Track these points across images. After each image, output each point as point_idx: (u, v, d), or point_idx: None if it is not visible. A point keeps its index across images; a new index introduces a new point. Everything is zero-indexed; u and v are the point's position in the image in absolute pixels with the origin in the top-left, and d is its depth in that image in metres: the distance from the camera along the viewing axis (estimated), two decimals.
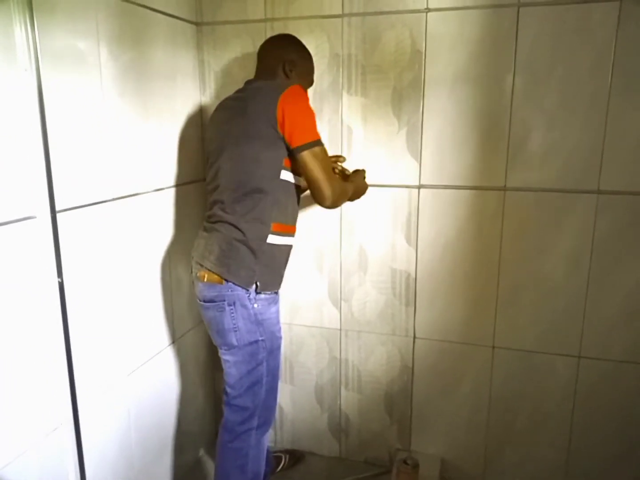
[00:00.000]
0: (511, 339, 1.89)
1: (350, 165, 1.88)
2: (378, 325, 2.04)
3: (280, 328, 1.67)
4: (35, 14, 1.23)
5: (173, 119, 1.85)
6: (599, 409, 1.85)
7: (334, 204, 1.53)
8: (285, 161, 1.51)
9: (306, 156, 1.46)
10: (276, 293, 1.64)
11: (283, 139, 1.47)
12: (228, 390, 1.63)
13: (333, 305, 2.08)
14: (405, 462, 1.90)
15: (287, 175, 1.54)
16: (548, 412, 1.91)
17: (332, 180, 1.50)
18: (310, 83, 1.74)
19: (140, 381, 1.77)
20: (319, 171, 1.47)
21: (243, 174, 1.50)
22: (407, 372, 2.04)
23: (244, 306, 1.53)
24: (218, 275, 1.52)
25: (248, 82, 1.63)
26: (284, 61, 1.61)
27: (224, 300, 1.53)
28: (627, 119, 1.63)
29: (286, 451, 2.21)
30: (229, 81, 1.97)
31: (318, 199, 1.51)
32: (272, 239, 1.54)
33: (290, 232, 1.63)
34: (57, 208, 1.34)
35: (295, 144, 1.46)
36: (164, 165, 1.82)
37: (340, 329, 2.09)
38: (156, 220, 1.80)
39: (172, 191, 1.87)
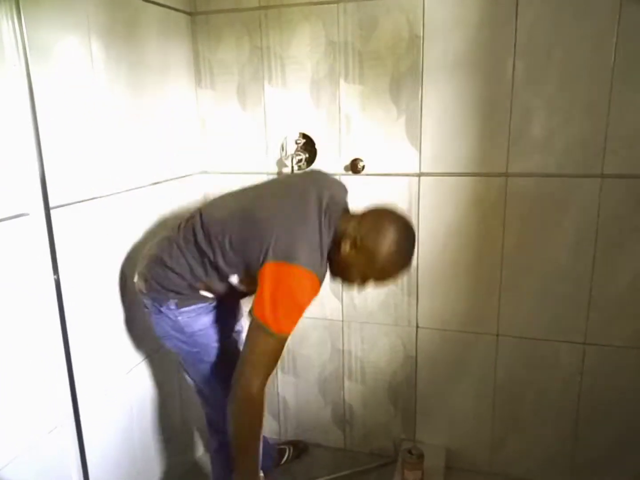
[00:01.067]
0: (515, 326, 1.87)
1: (349, 153, 1.86)
2: (380, 316, 2.02)
3: (216, 337, 1.53)
4: (22, 7, 1.21)
5: (168, 112, 1.82)
6: (605, 396, 1.84)
7: (239, 393, 1.31)
8: (242, 275, 1.39)
9: (252, 328, 1.29)
10: (205, 302, 1.50)
11: (255, 274, 1.31)
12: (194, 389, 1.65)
13: (335, 297, 2.06)
14: (410, 452, 1.89)
15: (233, 279, 1.42)
16: (553, 400, 1.90)
17: (257, 380, 1.29)
18: (368, 278, 1.38)
19: (141, 378, 1.76)
20: (253, 357, 1.29)
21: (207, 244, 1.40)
22: (411, 362, 2.03)
23: (169, 317, 1.48)
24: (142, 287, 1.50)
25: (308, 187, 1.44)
26: (354, 237, 1.33)
27: (152, 309, 1.51)
28: (631, 100, 1.60)
29: (290, 442, 2.20)
30: (224, 71, 1.94)
31: (234, 378, 1.32)
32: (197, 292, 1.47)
33: (210, 298, 1.51)
34: (51, 204, 1.32)
35: (253, 308, 1.30)
36: (159, 158, 1.79)
37: (343, 321, 2.08)
38: (153, 214, 1.78)
39: (169, 185, 1.84)
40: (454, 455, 2.06)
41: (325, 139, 1.90)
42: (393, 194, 1.88)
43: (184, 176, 1.91)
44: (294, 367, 2.19)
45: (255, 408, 1.32)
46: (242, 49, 1.90)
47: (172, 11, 1.83)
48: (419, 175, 1.84)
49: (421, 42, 1.73)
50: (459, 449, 2.05)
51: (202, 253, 1.41)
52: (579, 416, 1.88)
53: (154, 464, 1.88)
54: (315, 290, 1.31)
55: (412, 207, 1.87)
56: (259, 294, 1.28)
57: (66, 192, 1.38)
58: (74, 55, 1.39)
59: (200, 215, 1.47)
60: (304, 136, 1.91)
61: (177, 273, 1.43)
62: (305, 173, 1.82)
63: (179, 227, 1.51)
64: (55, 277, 1.34)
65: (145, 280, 1.49)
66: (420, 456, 1.88)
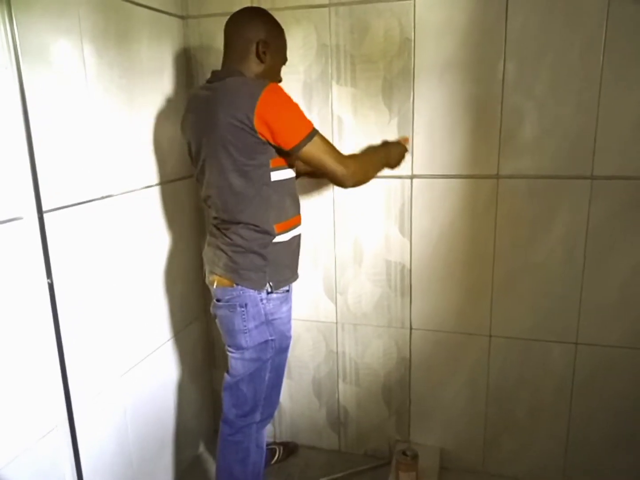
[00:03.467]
0: (508, 327, 1.88)
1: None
2: (374, 318, 2.03)
3: (290, 327, 1.65)
4: (13, 10, 1.21)
5: (161, 115, 1.82)
6: (597, 396, 1.85)
7: (355, 181, 1.50)
8: (274, 162, 1.46)
9: (306, 152, 1.42)
10: (288, 291, 1.60)
11: (268, 142, 1.41)
12: (229, 380, 1.62)
13: (328, 299, 2.07)
14: (404, 453, 1.90)
15: (278, 175, 1.49)
16: (546, 400, 1.91)
17: (342, 160, 1.45)
18: (284, 60, 1.61)
19: (136, 380, 1.75)
20: (326, 159, 1.43)
21: (230, 189, 1.46)
22: (405, 363, 2.04)
23: (256, 307, 1.51)
24: (229, 280, 1.51)
25: (216, 74, 1.52)
26: (255, 43, 1.48)
27: (236, 302, 1.51)
28: (620, 102, 1.61)
29: (280, 443, 2.22)
30: None
31: (337, 183, 1.50)
32: (277, 239, 1.51)
33: (295, 225, 1.58)
34: (44, 208, 1.32)
35: (289, 145, 1.41)
36: (153, 162, 1.79)
37: (337, 323, 2.08)
38: (147, 217, 1.78)
39: (163, 188, 1.85)
40: (449, 456, 2.06)
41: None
42: (386, 197, 1.89)
43: (176, 179, 1.92)
44: (288, 370, 2.18)
45: (364, 171, 1.54)
46: None
47: (164, 15, 1.83)
48: (412, 177, 1.85)
49: (412, 45, 1.74)
50: (454, 450, 2.06)
51: (249, 207, 1.47)
52: (572, 416, 1.89)
53: (151, 465, 1.87)
54: None
55: (404, 209, 1.88)
56: (280, 129, 1.39)
57: (59, 196, 1.38)
58: (66, 59, 1.39)
59: (205, 200, 1.57)
60: None
61: (254, 229, 1.48)
62: None
63: (214, 220, 1.57)
64: (49, 280, 1.34)
65: (234, 272, 1.49)
66: (415, 457, 1.89)
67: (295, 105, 1.44)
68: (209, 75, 1.53)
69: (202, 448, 2.22)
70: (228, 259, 1.50)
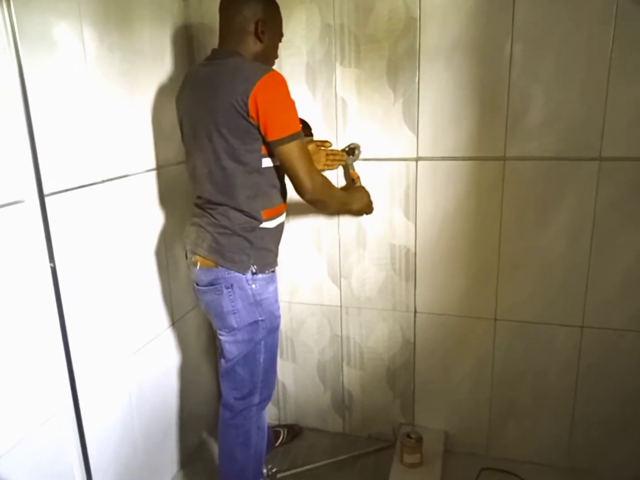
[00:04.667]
0: (513, 310, 1.87)
1: (346, 138, 1.85)
2: (378, 301, 2.02)
3: (279, 307, 1.65)
4: None
5: (162, 98, 1.80)
6: (602, 379, 1.84)
7: (316, 198, 1.49)
8: (264, 149, 1.45)
9: (285, 150, 1.41)
10: (273, 272, 1.61)
11: (258, 128, 1.40)
12: (225, 365, 1.62)
13: (333, 283, 2.06)
14: (409, 436, 1.91)
15: (269, 162, 1.49)
16: (551, 384, 1.91)
17: (312, 173, 1.45)
18: (281, 36, 1.59)
19: (140, 364, 1.76)
20: (299, 164, 1.42)
21: (222, 171, 1.45)
22: (409, 347, 2.03)
23: (242, 288, 1.51)
24: (212, 261, 1.50)
25: (216, 53, 1.51)
26: (254, 22, 1.45)
27: (221, 284, 1.50)
28: (629, 83, 1.58)
29: (285, 426, 2.23)
30: None
31: (298, 191, 1.47)
32: (263, 225, 1.52)
33: (281, 212, 1.59)
34: (45, 191, 1.30)
35: (270, 137, 1.40)
36: (154, 145, 1.78)
37: (341, 306, 2.08)
38: (149, 200, 1.77)
39: (164, 171, 1.83)
40: (453, 439, 2.07)
41: (322, 123, 1.89)
42: (390, 179, 1.87)
43: (177, 163, 1.90)
44: (292, 353, 2.20)
45: (327, 193, 1.54)
46: None
47: None
48: (417, 159, 1.83)
49: (418, 24, 1.71)
50: (458, 433, 2.07)
51: (238, 191, 1.46)
52: (577, 399, 1.89)
53: (157, 450, 1.89)
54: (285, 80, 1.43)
55: (409, 192, 1.87)
56: (268, 117, 1.37)
57: (61, 179, 1.37)
58: (65, 42, 1.37)
59: (193, 179, 1.57)
60: (300, 121, 1.88)
61: (241, 213, 1.48)
62: None
63: (199, 201, 1.56)
64: (52, 264, 1.34)
65: (217, 253, 1.49)
66: (419, 440, 1.89)
67: (291, 102, 1.43)
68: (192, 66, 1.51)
69: (206, 433, 2.23)
70: (212, 239, 1.49)
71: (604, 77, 1.60)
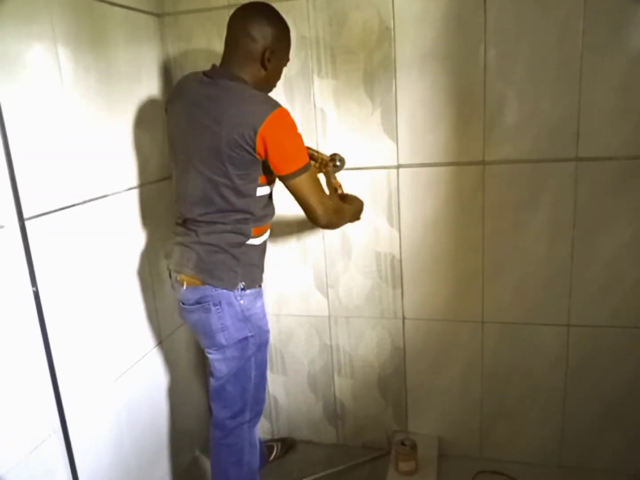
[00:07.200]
0: (500, 312, 1.89)
1: (326, 149, 1.85)
2: (366, 310, 2.02)
3: (267, 322, 1.64)
4: None
5: (140, 117, 1.79)
6: (590, 377, 1.86)
7: (329, 223, 1.50)
8: (261, 178, 1.46)
9: (295, 183, 1.42)
10: (260, 287, 1.61)
11: (262, 162, 1.41)
12: (215, 384, 1.61)
13: (320, 293, 2.06)
14: (403, 443, 1.91)
15: (262, 191, 1.49)
16: (540, 383, 1.92)
17: (324, 201, 1.47)
18: (287, 61, 1.58)
19: (129, 385, 1.74)
20: (310, 195, 1.44)
21: (216, 198, 1.44)
22: (399, 353, 2.04)
23: (230, 304, 1.50)
24: (199, 280, 1.49)
25: (217, 71, 1.46)
26: (262, 50, 1.43)
27: (209, 301, 1.49)
28: (602, 83, 1.61)
29: (278, 440, 2.21)
30: None
31: (312, 219, 1.48)
32: (250, 241, 1.51)
33: (267, 229, 1.60)
34: (25, 215, 1.29)
35: (281, 172, 1.42)
36: (134, 164, 1.77)
37: (329, 316, 2.07)
38: (131, 219, 1.75)
39: (145, 189, 1.82)
40: (447, 443, 2.07)
41: (302, 135, 1.89)
42: (372, 188, 1.88)
43: (158, 180, 1.89)
44: (282, 366, 2.19)
45: (339, 216, 1.56)
46: (213, 50, 1.88)
47: (140, 13, 1.80)
48: (397, 167, 1.85)
49: (392, 34, 1.73)
50: (451, 437, 2.07)
51: (228, 216, 1.46)
52: (566, 397, 1.91)
53: (149, 470, 1.86)
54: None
55: (392, 200, 1.88)
56: (277, 155, 1.39)
57: (40, 202, 1.35)
58: (41, 64, 1.36)
59: (181, 197, 1.54)
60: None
61: (229, 232, 1.47)
62: None
63: (184, 220, 1.55)
64: (34, 288, 1.32)
65: (205, 271, 1.47)
66: (413, 447, 1.89)
67: (298, 136, 1.44)
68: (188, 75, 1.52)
69: (199, 451, 2.21)
70: (198, 258, 1.48)
71: (577, 78, 1.63)
